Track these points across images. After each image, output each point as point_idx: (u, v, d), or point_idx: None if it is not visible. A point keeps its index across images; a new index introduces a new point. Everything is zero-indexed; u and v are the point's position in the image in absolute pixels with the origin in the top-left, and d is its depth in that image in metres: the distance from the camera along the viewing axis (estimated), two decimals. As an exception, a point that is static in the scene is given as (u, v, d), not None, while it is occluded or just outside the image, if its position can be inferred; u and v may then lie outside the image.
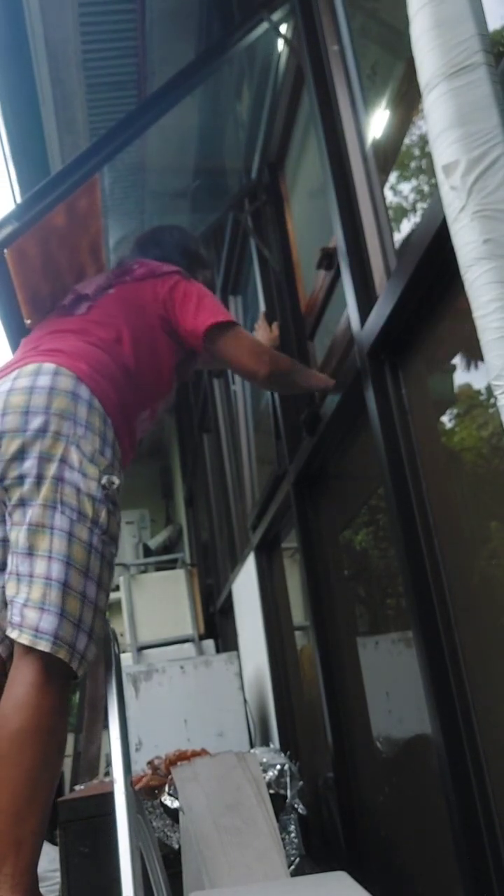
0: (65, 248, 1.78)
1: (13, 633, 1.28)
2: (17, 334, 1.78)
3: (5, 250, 1.68)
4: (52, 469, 1.37)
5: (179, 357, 1.79)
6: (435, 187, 0.98)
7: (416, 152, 1.49)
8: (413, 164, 1.52)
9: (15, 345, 1.77)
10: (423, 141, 1.42)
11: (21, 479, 1.37)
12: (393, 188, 1.59)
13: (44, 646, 1.25)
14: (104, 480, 1.39)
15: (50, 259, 1.76)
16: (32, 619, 1.27)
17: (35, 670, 1.27)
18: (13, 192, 3.10)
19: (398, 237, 1.55)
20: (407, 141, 1.53)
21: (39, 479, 1.36)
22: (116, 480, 1.42)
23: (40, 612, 1.27)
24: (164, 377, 1.73)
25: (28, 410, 1.40)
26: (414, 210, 1.52)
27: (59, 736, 1.30)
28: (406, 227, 1.54)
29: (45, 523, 1.33)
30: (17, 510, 1.36)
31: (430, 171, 1.32)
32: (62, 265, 1.81)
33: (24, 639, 1.26)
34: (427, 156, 1.39)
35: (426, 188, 1.45)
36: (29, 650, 1.27)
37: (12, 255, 1.69)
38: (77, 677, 1.33)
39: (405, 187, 1.56)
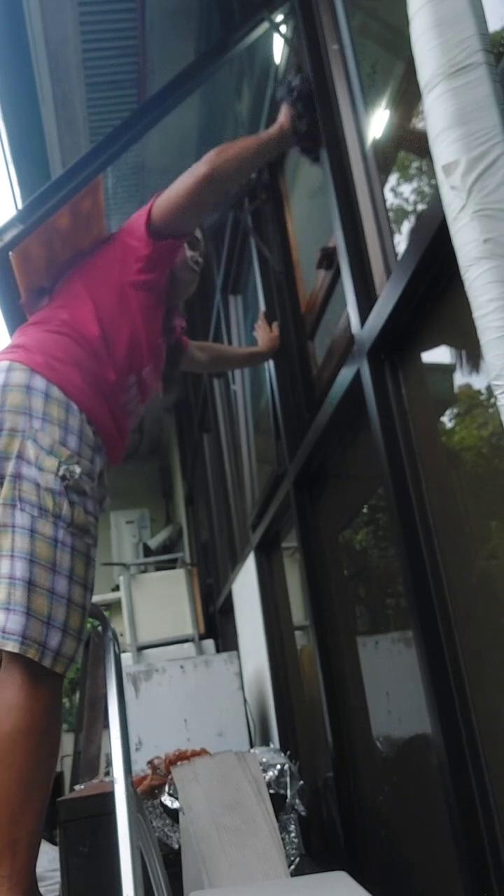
0: (68, 250, 1.78)
1: None
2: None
3: (10, 253, 1.68)
4: (9, 467, 1.36)
5: (156, 311, 1.73)
6: (435, 187, 0.98)
7: (416, 153, 1.49)
8: (413, 165, 1.52)
9: None
10: (424, 142, 1.42)
11: None
12: (393, 190, 1.59)
13: (11, 646, 1.25)
14: (62, 471, 1.37)
15: (53, 261, 1.77)
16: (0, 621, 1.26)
17: (21, 673, 1.27)
18: (13, 191, 3.10)
19: (398, 237, 1.55)
20: (407, 142, 1.53)
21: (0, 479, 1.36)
22: (77, 469, 1.39)
23: (6, 613, 1.27)
24: (140, 334, 1.68)
25: None
26: (415, 211, 1.51)
27: (52, 736, 1.30)
28: (406, 227, 1.54)
29: (6, 522, 1.33)
30: None
31: (430, 172, 1.32)
32: (65, 267, 1.81)
33: None
34: (426, 155, 1.39)
35: (426, 189, 1.45)
36: (14, 654, 1.26)
37: (17, 258, 1.69)
38: (62, 675, 1.32)
39: (405, 188, 1.56)
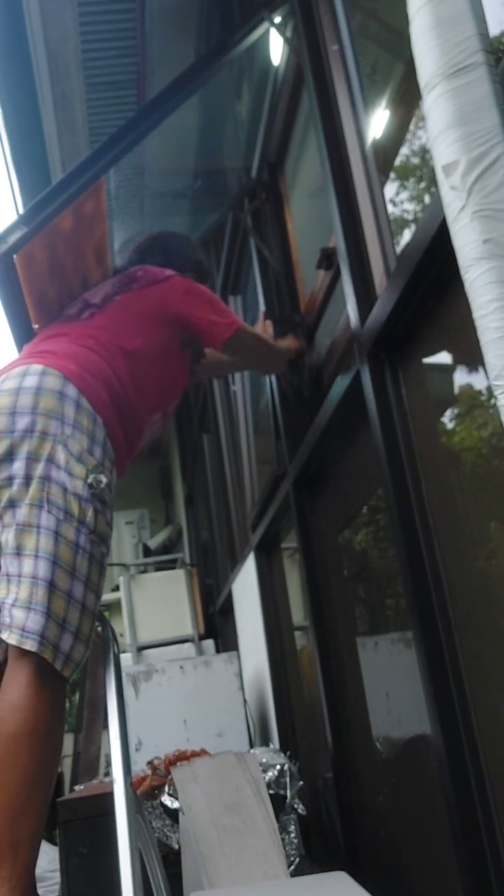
0: (71, 252, 1.78)
1: (4, 635, 1.28)
2: (25, 339, 1.78)
3: (15, 256, 1.68)
4: (39, 469, 1.37)
5: (193, 361, 1.85)
6: (434, 188, 0.98)
7: (416, 153, 1.49)
8: (413, 165, 1.52)
9: (22, 350, 1.77)
10: (424, 146, 1.42)
11: (10, 480, 1.37)
12: (393, 200, 1.59)
13: (30, 645, 1.25)
14: (91, 479, 1.39)
15: (56, 263, 1.76)
16: (20, 619, 1.27)
17: (29, 672, 1.27)
18: (13, 191, 3.10)
19: (398, 237, 1.55)
20: (406, 143, 1.53)
21: (27, 480, 1.36)
22: (104, 479, 1.41)
23: (27, 612, 1.27)
24: (175, 380, 1.78)
25: (15, 411, 1.41)
26: (414, 212, 1.51)
27: (56, 737, 1.30)
28: (406, 228, 1.54)
29: (32, 522, 1.33)
30: (6, 512, 1.36)
31: (430, 175, 1.32)
32: (68, 269, 1.81)
33: (13, 639, 1.26)
34: (425, 157, 1.39)
35: (425, 190, 1.45)
36: (23, 653, 1.27)
37: (21, 260, 1.69)
38: (68, 678, 1.33)
39: (405, 188, 1.56)
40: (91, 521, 1.37)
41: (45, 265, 1.75)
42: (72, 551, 1.34)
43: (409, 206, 1.54)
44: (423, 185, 1.47)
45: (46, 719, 1.27)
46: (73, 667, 1.31)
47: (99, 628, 1.44)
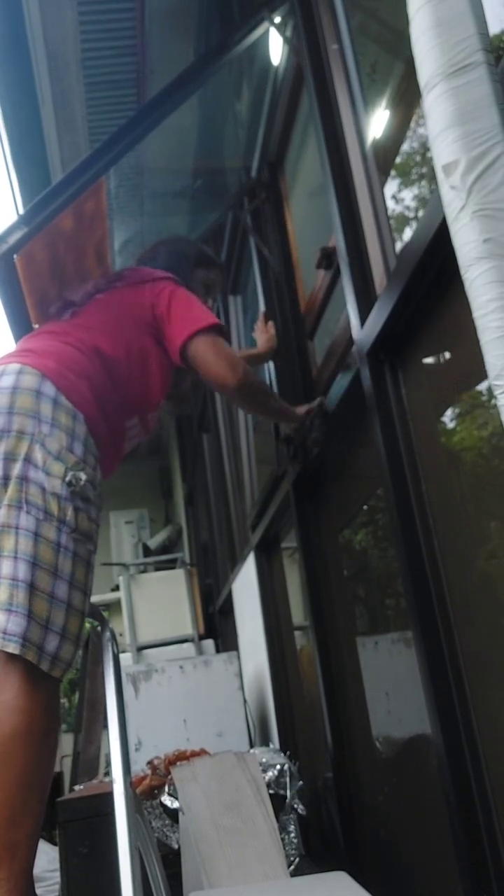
0: (71, 252, 1.78)
1: None
2: (25, 339, 1.78)
3: (15, 255, 1.68)
4: (16, 469, 1.36)
5: (170, 368, 1.75)
6: (434, 187, 0.98)
7: (417, 154, 1.49)
8: (413, 164, 1.52)
9: None
10: (424, 144, 1.42)
11: None
12: (395, 196, 1.59)
13: (12, 648, 1.25)
14: (69, 477, 1.37)
15: (57, 262, 1.76)
16: (1, 622, 1.26)
17: (19, 675, 1.26)
18: (13, 190, 3.10)
19: (398, 237, 1.55)
20: (406, 143, 1.53)
21: (5, 480, 1.36)
22: (83, 476, 1.39)
23: (7, 614, 1.26)
24: (153, 387, 1.71)
25: None
26: (415, 208, 1.51)
27: (51, 738, 1.30)
28: (406, 227, 1.54)
29: (11, 523, 1.33)
30: None
31: (430, 174, 1.32)
32: (69, 268, 1.80)
33: None
34: (426, 155, 1.39)
35: (426, 190, 1.45)
36: (10, 656, 1.26)
37: (21, 260, 1.69)
38: (60, 678, 1.32)
39: (405, 188, 1.56)
40: (72, 519, 1.36)
41: (46, 265, 1.75)
42: (53, 551, 1.33)
43: (410, 206, 1.54)
44: (423, 183, 1.47)
45: (41, 720, 1.26)
46: (62, 666, 1.30)
47: (98, 628, 1.44)
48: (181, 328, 1.68)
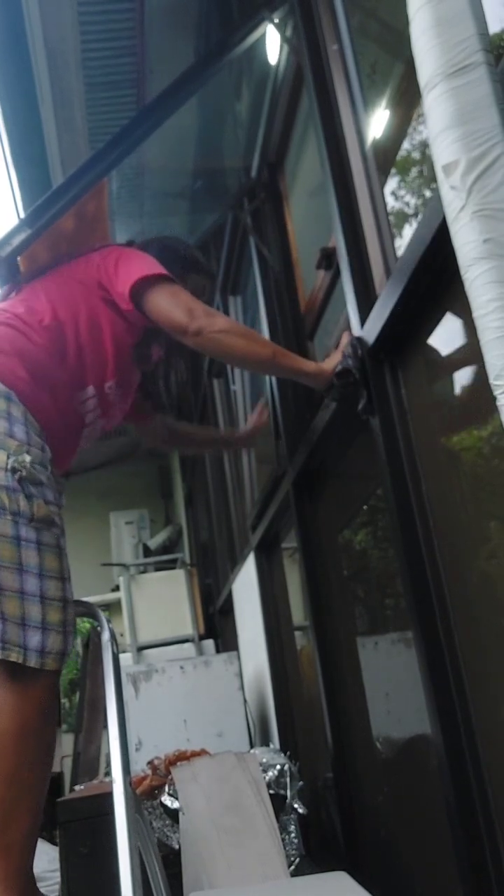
0: (73, 253, 1.77)
1: None
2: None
3: (18, 258, 1.67)
4: None
5: (128, 334, 1.65)
6: (434, 187, 0.98)
7: (416, 153, 1.49)
8: (413, 163, 1.51)
9: None
10: (424, 144, 1.42)
11: None
12: (394, 194, 1.59)
13: None
14: (11, 463, 1.30)
15: (60, 264, 1.75)
16: None
17: (6, 676, 1.24)
18: (12, 190, 3.10)
19: (397, 237, 1.55)
20: (406, 144, 1.53)
21: None
22: (27, 458, 1.31)
23: None
24: (107, 352, 1.61)
25: None
26: (415, 206, 1.51)
27: (46, 736, 1.27)
28: (406, 227, 1.54)
29: None
30: None
31: (430, 174, 1.32)
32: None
33: None
34: (426, 153, 1.39)
35: (426, 190, 1.45)
36: None
37: (24, 262, 1.69)
38: (58, 672, 1.29)
39: (405, 184, 1.56)
40: (26, 509, 1.29)
41: (49, 266, 1.75)
42: (13, 546, 1.27)
43: (410, 205, 1.54)
44: (422, 183, 1.47)
45: (34, 719, 1.24)
46: (54, 657, 1.27)
47: (98, 628, 1.43)
48: (128, 276, 1.58)
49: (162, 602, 4.64)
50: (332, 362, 1.55)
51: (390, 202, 1.59)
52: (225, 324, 1.60)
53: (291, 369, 1.63)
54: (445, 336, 1.28)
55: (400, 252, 1.46)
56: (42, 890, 1.28)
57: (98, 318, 1.61)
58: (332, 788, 2.03)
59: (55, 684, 1.32)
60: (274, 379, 2.50)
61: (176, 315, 1.55)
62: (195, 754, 2.15)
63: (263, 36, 2.11)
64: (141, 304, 1.58)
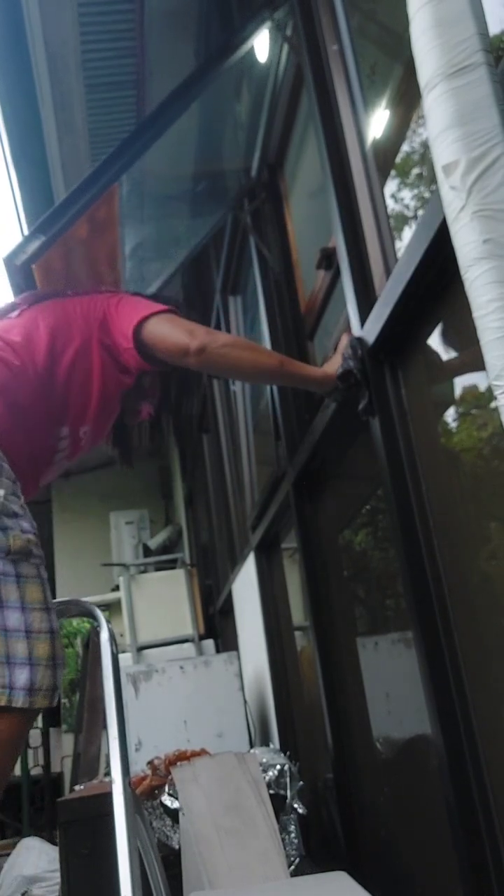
0: (86, 259, 1.76)
1: None
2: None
3: (33, 265, 1.66)
4: None
5: (116, 383, 1.63)
6: (434, 187, 0.98)
7: (416, 153, 1.49)
8: (413, 163, 1.52)
9: None
10: (424, 144, 1.42)
11: None
12: (394, 195, 1.59)
13: None
14: None
15: (72, 271, 1.74)
16: None
17: None
18: (13, 191, 3.10)
19: (398, 237, 1.55)
20: (406, 143, 1.53)
21: None
22: (0, 491, 1.26)
23: None
24: (92, 397, 1.58)
25: None
26: (415, 208, 1.51)
27: (6, 771, 1.24)
28: (406, 228, 1.54)
29: None
30: None
31: (430, 174, 1.32)
32: (83, 276, 1.78)
33: None
34: (426, 154, 1.39)
35: (426, 191, 1.45)
36: None
37: (39, 271, 1.68)
38: (47, 705, 1.24)
39: (406, 185, 1.56)
40: (2, 542, 1.23)
41: (62, 273, 1.73)
42: None
43: (410, 205, 1.54)
44: (422, 182, 1.48)
45: (4, 755, 1.20)
46: (45, 695, 1.22)
47: (98, 628, 1.43)
48: (130, 317, 1.56)
49: (162, 602, 4.64)
50: (334, 365, 1.54)
51: (390, 203, 1.59)
52: (228, 338, 1.60)
53: (299, 377, 1.62)
54: (445, 336, 1.28)
55: (400, 252, 1.46)
56: (42, 890, 1.27)
57: (91, 359, 1.58)
58: (332, 788, 2.03)
59: (30, 721, 1.28)
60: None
61: (177, 337, 1.54)
62: (195, 754, 2.15)
63: (263, 37, 2.12)
64: (141, 337, 1.56)
